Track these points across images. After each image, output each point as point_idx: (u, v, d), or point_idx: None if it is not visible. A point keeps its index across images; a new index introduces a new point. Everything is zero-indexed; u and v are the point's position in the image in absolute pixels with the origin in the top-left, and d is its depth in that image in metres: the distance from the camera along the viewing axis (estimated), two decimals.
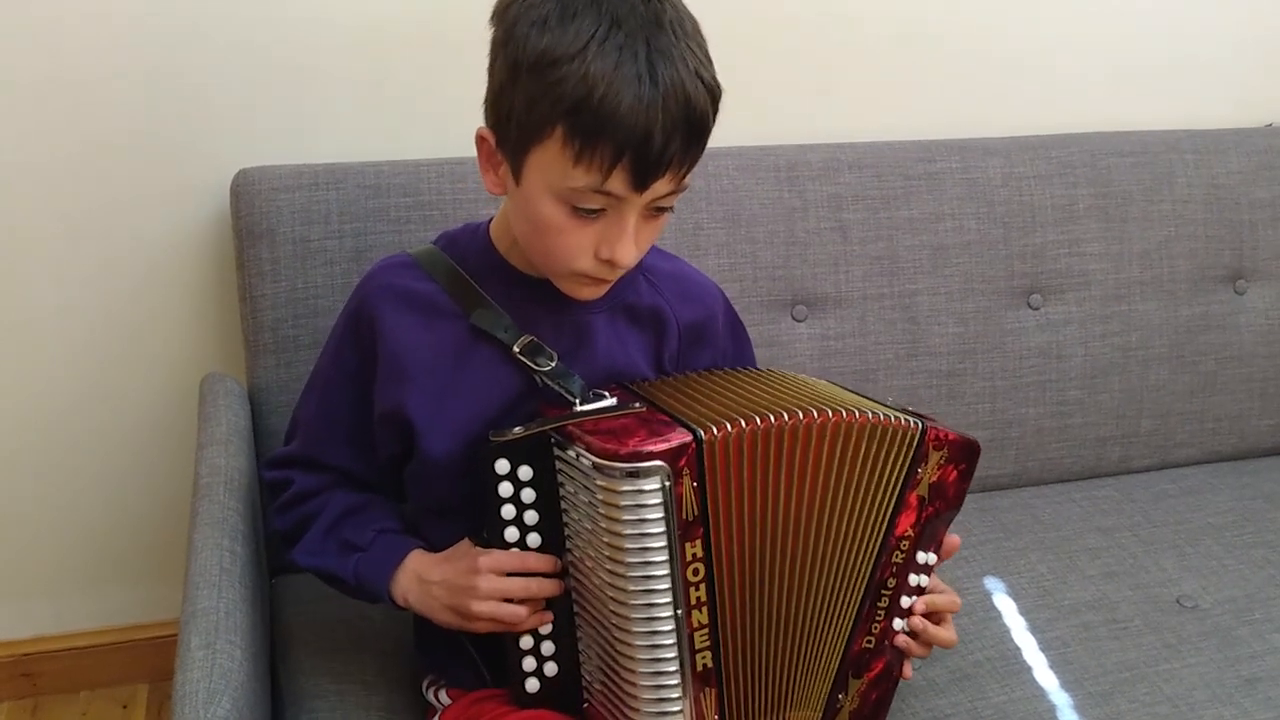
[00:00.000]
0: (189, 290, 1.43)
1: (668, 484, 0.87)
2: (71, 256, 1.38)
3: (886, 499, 0.97)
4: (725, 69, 1.58)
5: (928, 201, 1.48)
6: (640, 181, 0.87)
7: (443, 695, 1.07)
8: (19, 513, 1.50)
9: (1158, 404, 1.60)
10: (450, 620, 0.97)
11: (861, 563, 0.98)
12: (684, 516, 0.88)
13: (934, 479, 0.99)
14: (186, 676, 0.86)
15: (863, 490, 0.96)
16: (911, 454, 0.97)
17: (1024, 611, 1.30)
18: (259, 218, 1.27)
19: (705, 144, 0.90)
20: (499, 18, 0.91)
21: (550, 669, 0.97)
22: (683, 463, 0.87)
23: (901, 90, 1.59)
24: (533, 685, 0.97)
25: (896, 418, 0.96)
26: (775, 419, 0.91)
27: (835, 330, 1.45)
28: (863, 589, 0.98)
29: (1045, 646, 1.24)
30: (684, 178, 0.91)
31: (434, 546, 1.02)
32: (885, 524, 0.98)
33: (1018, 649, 1.23)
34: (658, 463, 0.86)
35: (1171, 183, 1.58)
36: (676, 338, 1.07)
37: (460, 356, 1.00)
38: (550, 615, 0.96)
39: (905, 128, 1.57)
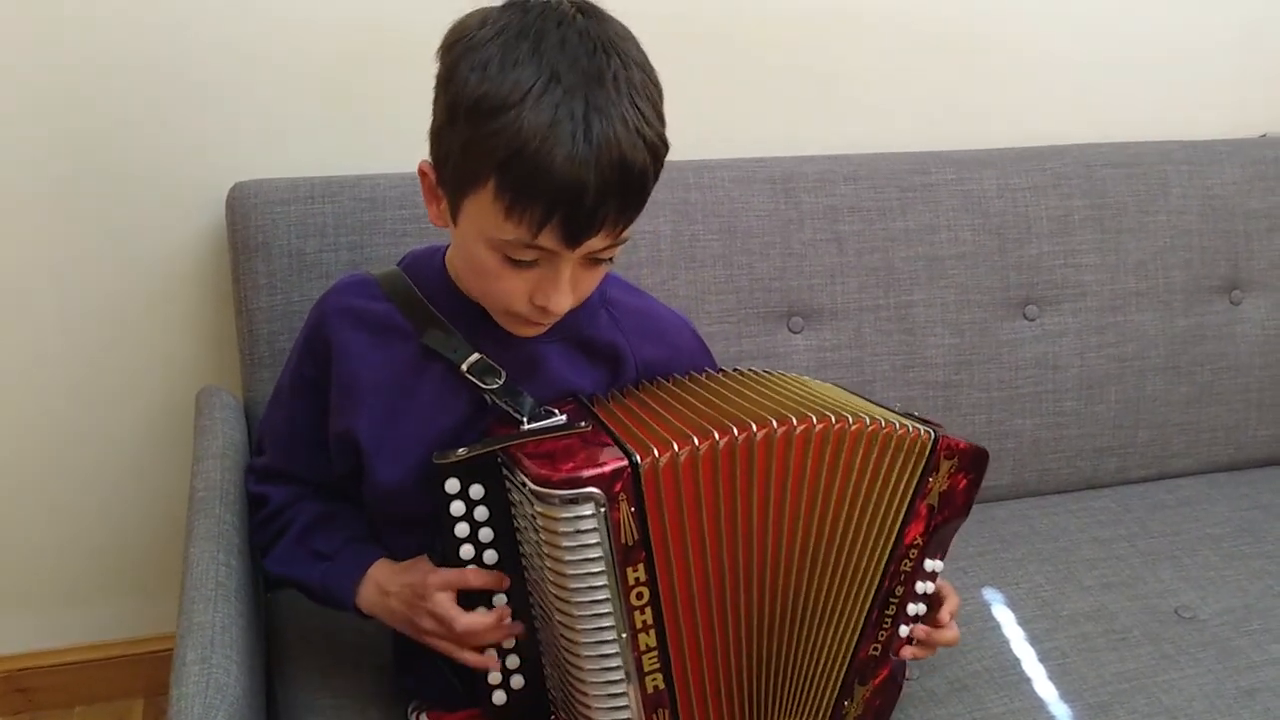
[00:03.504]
0: (185, 303, 1.43)
1: (603, 510, 0.86)
2: (66, 269, 1.38)
3: (897, 509, 0.97)
4: (721, 82, 1.59)
5: (923, 213, 1.48)
6: (572, 239, 0.85)
7: (424, 718, 1.08)
8: (14, 526, 1.49)
9: (1154, 415, 1.61)
10: (409, 632, 0.98)
11: (869, 572, 0.98)
12: (623, 541, 0.87)
13: (944, 488, 0.99)
14: (182, 691, 0.86)
15: (872, 500, 0.96)
16: (923, 464, 0.97)
17: (1022, 622, 1.29)
18: (255, 231, 1.27)
19: (644, 202, 0.88)
20: (444, 53, 0.89)
21: (517, 681, 0.97)
22: (618, 488, 0.86)
23: (896, 102, 1.60)
24: (499, 698, 0.97)
25: (908, 426, 0.96)
26: (740, 431, 0.90)
27: (831, 342, 1.45)
28: (870, 598, 0.98)
29: (1044, 657, 1.24)
30: (621, 233, 0.88)
31: (398, 557, 1.02)
32: (895, 534, 0.97)
33: (1016, 659, 1.23)
34: (591, 489, 0.85)
35: (1166, 193, 1.59)
36: (634, 376, 1.05)
37: (411, 376, 0.99)
38: (493, 661, 0.96)
39: (900, 139, 1.57)
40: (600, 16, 0.88)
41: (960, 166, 1.51)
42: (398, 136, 1.40)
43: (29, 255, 1.37)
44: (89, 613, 1.57)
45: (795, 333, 1.45)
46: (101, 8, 1.28)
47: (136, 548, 1.54)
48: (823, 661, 0.99)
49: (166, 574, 1.54)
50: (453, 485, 0.91)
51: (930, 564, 1.01)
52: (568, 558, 0.86)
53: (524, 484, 0.88)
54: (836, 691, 1.00)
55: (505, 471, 0.91)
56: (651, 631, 0.90)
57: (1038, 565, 1.40)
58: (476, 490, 0.92)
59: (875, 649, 1.00)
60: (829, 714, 1.00)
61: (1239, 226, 1.62)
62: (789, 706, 0.99)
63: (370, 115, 1.40)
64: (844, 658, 0.99)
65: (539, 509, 0.87)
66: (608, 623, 0.88)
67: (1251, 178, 1.63)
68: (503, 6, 0.88)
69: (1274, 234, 1.64)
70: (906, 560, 0.99)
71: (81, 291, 1.39)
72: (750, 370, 1.06)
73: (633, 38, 0.89)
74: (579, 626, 0.88)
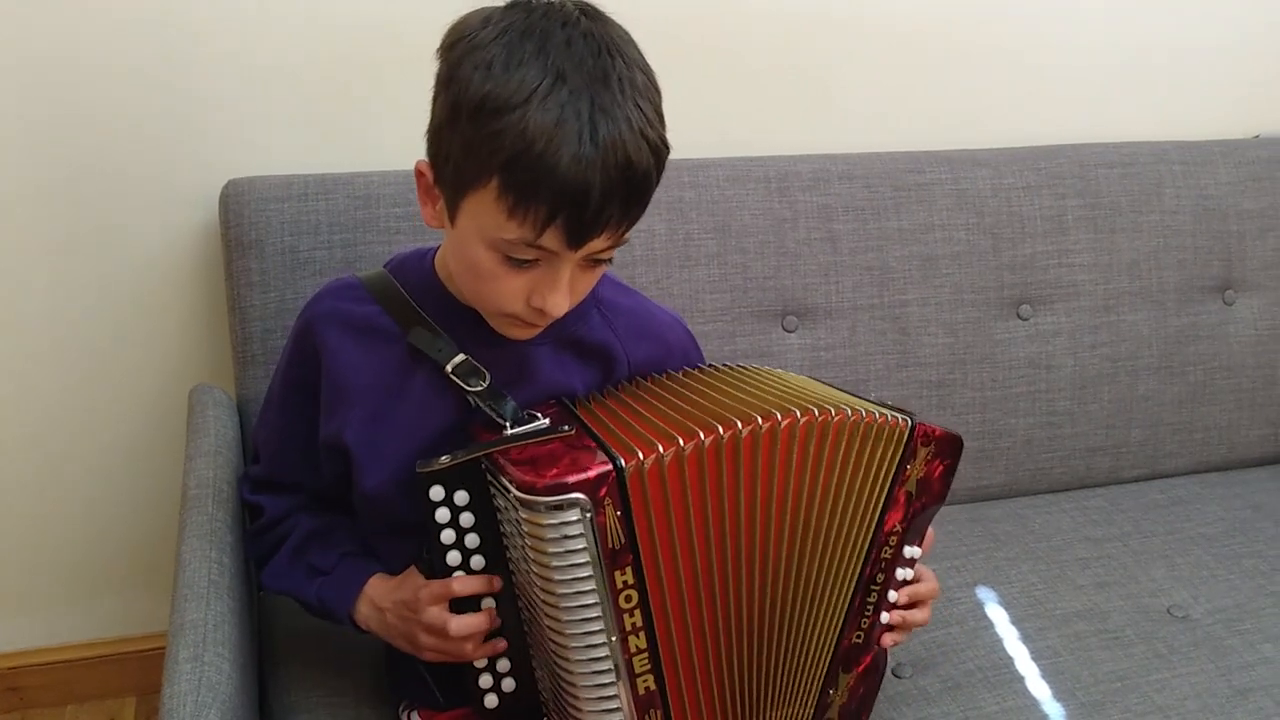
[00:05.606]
0: (178, 301, 1.42)
1: (588, 515, 0.85)
2: (60, 266, 1.38)
3: (876, 497, 0.97)
4: (715, 81, 1.58)
5: (917, 212, 1.48)
6: (575, 240, 0.85)
7: (414, 717, 1.08)
8: (5, 524, 1.49)
9: (1147, 414, 1.61)
10: (407, 649, 0.98)
11: (851, 561, 0.98)
12: (610, 545, 0.86)
13: (921, 474, 0.99)
14: (174, 689, 0.85)
15: (854, 490, 0.96)
16: (901, 451, 0.97)
17: (1015, 621, 1.30)
18: (248, 228, 1.27)
19: (647, 204, 0.88)
20: (444, 53, 0.89)
21: (508, 684, 0.97)
22: (603, 492, 0.85)
23: (891, 102, 1.60)
24: (491, 701, 0.97)
25: (885, 415, 0.96)
26: (725, 430, 0.89)
27: (826, 341, 1.46)
28: (853, 586, 0.98)
29: (1037, 656, 1.24)
30: (623, 235, 0.88)
31: (389, 564, 1.01)
32: (874, 522, 0.98)
33: (1009, 658, 1.23)
34: (576, 495, 0.85)
35: (1160, 194, 1.59)
36: (626, 375, 1.05)
37: (399, 380, 0.99)
38: (501, 646, 0.95)
39: (895, 139, 1.57)
40: (602, 18, 0.88)
41: (954, 166, 1.51)
42: (391, 134, 1.41)
43: (22, 253, 1.36)
44: (81, 611, 1.56)
45: (790, 331, 1.45)
46: (97, 7, 1.28)
47: (129, 546, 1.53)
48: (809, 652, 0.99)
49: (159, 572, 1.54)
50: (437, 492, 0.91)
51: (909, 550, 1.01)
52: (555, 563, 0.86)
53: (509, 490, 0.87)
54: (821, 681, 1.00)
55: (489, 477, 0.91)
56: (641, 633, 0.89)
57: (1031, 564, 1.40)
58: (461, 497, 0.91)
59: (858, 636, 1.00)
60: (814, 703, 1.00)
61: (1232, 227, 1.63)
62: (778, 700, 0.99)
63: (364, 113, 1.40)
64: (828, 647, 0.99)
65: (524, 515, 0.86)
66: (596, 627, 0.88)
67: (1245, 178, 1.63)
68: (505, 7, 0.88)
69: (1267, 234, 1.64)
70: (887, 547, 0.99)
71: (74, 289, 1.39)
72: (727, 366, 1.07)
73: (632, 40, 0.89)
74: (568, 631, 0.88)
